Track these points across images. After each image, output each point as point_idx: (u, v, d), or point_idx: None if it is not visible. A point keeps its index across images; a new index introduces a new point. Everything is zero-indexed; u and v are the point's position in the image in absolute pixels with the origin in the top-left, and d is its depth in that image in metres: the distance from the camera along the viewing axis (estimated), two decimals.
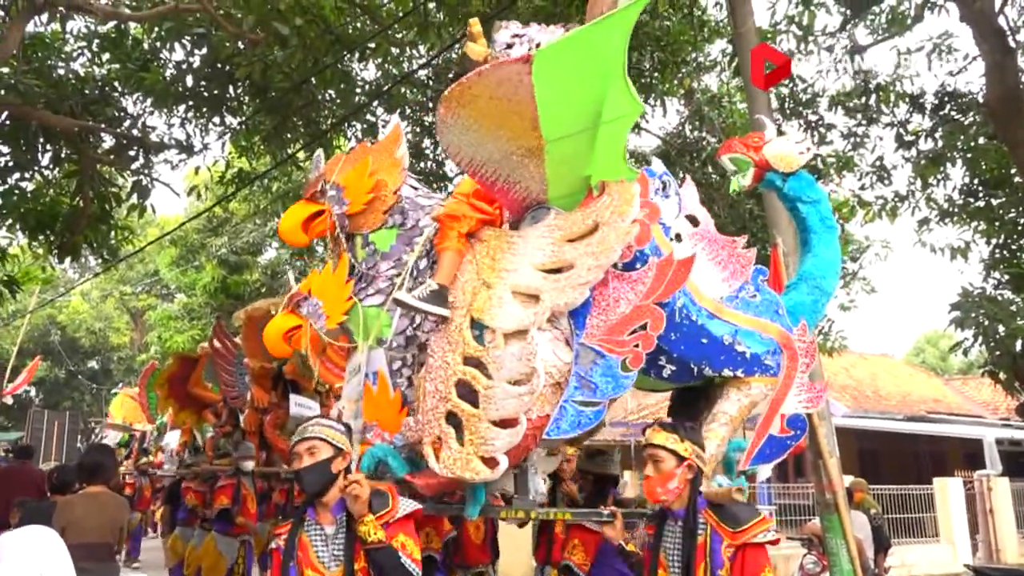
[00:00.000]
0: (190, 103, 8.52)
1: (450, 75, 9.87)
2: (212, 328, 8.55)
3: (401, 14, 8.44)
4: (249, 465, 7.10)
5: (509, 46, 3.43)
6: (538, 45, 3.36)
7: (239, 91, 8.54)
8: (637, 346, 3.11)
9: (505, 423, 3.00)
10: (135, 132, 8.66)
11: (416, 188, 3.79)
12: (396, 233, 3.60)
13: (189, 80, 8.29)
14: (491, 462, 2.99)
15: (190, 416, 9.35)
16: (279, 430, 6.59)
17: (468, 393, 3.08)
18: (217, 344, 7.61)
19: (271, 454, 7.18)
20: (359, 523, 2.73)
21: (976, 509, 14.63)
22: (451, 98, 2.96)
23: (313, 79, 8.22)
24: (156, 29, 8.06)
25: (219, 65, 7.97)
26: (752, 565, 2.69)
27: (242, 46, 7.56)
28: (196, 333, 19.25)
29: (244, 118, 9.01)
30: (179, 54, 8.30)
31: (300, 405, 5.94)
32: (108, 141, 8.85)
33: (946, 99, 10.08)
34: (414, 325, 3.48)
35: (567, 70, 2.86)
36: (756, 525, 2.75)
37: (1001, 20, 8.65)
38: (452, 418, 3.07)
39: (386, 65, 9.47)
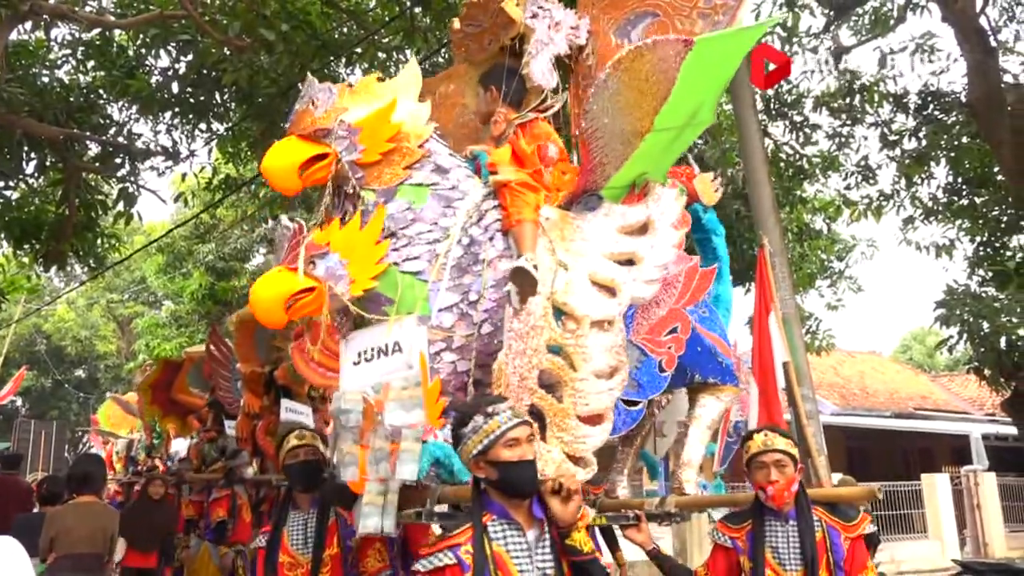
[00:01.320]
0: (176, 110, 8.48)
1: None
2: (207, 334, 8.46)
3: (388, 19, 8.45)
4: (248, 472, 6.99)
5: (534, 16, 3.36)
6: (557, 23, 3.36)
7: (225, 97, 8.51)
8: (670, 348, 3.14)
9: (590, 420, 2.83)
10: (121, 139, 8.63)
11: (443, 143, 3.28)
12: (427, 192, 3.03)
13: (175, 87, 8.26)
14: (582, 462, 2.79)
15: (174, 422, 9.27)
16: (271, 436, 6.50)
17: (543, 385, 2.84)
18: (213, 349, 7.53)
19: (264, 461, 7.10)
20: (572, 530, 2.20)
21: (964, 505, 14.74)
22: (621, 62, 2.82)
23: (300, 85, 8.20)
24: (141, 36, 8.03)
25: (205, 71, 7.95)
26: (861, 555, 2.84)
27: (228, 52, 7.54)
28: (184, 340, 19.11)
29: (231, 124, 8.99)
30: (165, 61, 8.28)
31: (291, 411, 5.86)
32: (94, 149, 8.82)
33: (929, 99, 10.20)
34: (469, 301, 2.98)
35: (702, 66, 2.78)
36: (864, 518, 2.92)
37: (982, 20, 8.76)
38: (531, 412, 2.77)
39: (373, 70, 9.47)
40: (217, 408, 7.77)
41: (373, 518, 2.65)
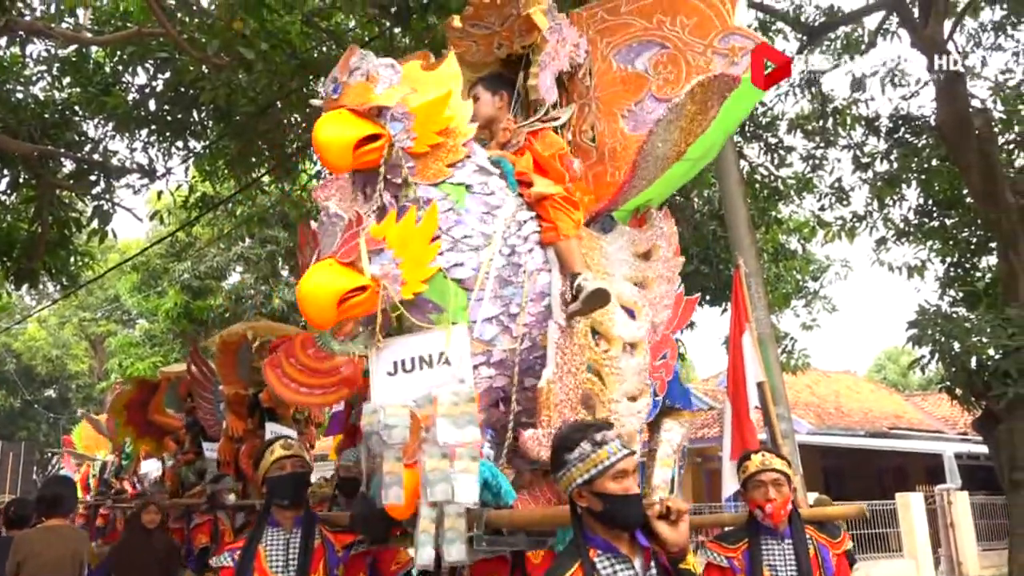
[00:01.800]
0: (153, 127, 8.43)
1: None
2: (187, 353, 8.30)
3: (367, 39, 8.48)
4: (231, 498, 6.78)
5: (548, 28, 3.32)
6: (564, 39, 3.36)
7: (203, 115, 8.47)
8: (662, 373, 3.19)
9: None
10: (96, 156, 8.55)
11: (480, 145, 3.07)
12: (466, 193, 2.83)
13: (152, 104, 8.20)
14: None
15: (149, 443, 9.08)
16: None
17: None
18: (194, 370, 7.37)
19: (247, 486, 6.90)
20: (686, 553, 2.09)
21: (938, 523, 14.85)
22: (695, 91, 2.88)
23: (278, 103, 8.20)
24: (118, 53, 7.99)
25: (183, 89, 7.91)
26: (845, 570, 3.03)
27: (206, 70, 7.52)
28: (158, 360, 18.89)
29: (208, 142, 8.95)
30: (142, 78, 8.24)
31: (276, 434, 5.79)
32: (68, 166, 8.72)
33: (900, 122, 10.39)
34: (509, 314, 2.82)
35: (733, 104, 2.87)
36: (846, 535, 3.10)
37: (950, 46, 8.97)
38: None
39: None
40: (195, 430, 7.62)
41: (428, 547, 2.43)
